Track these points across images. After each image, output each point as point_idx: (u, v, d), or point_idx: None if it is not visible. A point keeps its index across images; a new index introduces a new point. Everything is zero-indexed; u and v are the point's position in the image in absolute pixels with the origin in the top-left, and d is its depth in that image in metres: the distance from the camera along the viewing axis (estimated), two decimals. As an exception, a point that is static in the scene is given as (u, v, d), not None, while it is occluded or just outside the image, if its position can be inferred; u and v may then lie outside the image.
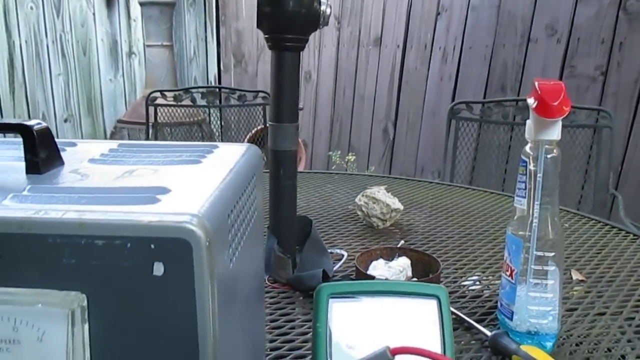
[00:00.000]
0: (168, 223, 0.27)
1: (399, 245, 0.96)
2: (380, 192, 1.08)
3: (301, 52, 0.82)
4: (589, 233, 1.06)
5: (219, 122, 2.67)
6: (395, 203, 1.07)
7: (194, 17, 4.14)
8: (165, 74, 3.46)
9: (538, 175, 0.62)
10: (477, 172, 2.18)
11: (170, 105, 2.37)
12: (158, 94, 2.32)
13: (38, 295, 0.28)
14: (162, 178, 0.35)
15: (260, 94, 2.47)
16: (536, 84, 0.62)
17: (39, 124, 0.37)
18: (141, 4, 3.43)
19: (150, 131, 2.34)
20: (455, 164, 2.00)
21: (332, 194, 1.34)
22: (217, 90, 2.62)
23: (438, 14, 2.68)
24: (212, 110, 2.72)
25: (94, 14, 3.71)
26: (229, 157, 0.42)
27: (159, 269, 0.27)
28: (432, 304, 0.39)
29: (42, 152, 0.36)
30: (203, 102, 2.46)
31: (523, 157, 0.64)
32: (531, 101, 0.61)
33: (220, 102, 2.57)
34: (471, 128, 2.02)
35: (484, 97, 2.51)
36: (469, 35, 2.57)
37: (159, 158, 0.40)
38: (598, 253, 0.95)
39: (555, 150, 0.62)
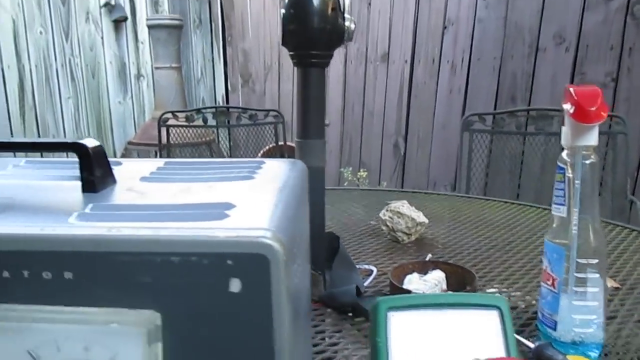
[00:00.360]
0: (245, 238, 0.26)
1: (427, 259, 0.95)
2: (404, 207, 1.07)
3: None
4: (617, 239, 1.05)
5: (227, 141, 2.68)
6: (420, 217, 1.06)
7: (201, 38, 4.18)
8: (174, 95, 3.48)
9: (576, 181, 0.61)
10: (491, 183, 2.17)
11: (182, 126, 2.38)
12: (170, 115, 2.33)
13: (112, 315, 0.27)
14: (221, 194, 0.35)
15: (271, 113, 2.48)
16: (571, 89, 0.61)
17: (92, 142, 0.37)
18: (149, 27, 3.47)
19: (161, 152, 2.34)
20: (470, 176, 1.99)
21: (352, 210, 1.34)
22: (228, 110, 2.63)
23: (444, 27, 2.69)
24: (221, 130, 2.73)
25: (102, 37, 3.76)
26: (279, 173, 0.41)
27: (235, 285, 0.27)
28: (494, 314, 0.38)
29: (97, 171, 0.36)
30: (214, 122, 2.47)
31: (560, 164, 0.63)
32: (568, 107, 0.61)
33: (228, 122, 2.58)
34: (484, 140, 2.02)
35: (495, 109, 2.50)
36: (477, 47, 2.58)
37: (211, 175, 0.40)
38: (629, 259, 0.94)
39: (592, 156, 0.62)
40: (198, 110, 2.45)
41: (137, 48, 3.92)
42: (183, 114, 2.41)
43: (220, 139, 2.94)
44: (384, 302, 0.38)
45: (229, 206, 0.31)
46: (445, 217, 1.26)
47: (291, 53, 0.81)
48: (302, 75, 0.82)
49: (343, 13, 0.80)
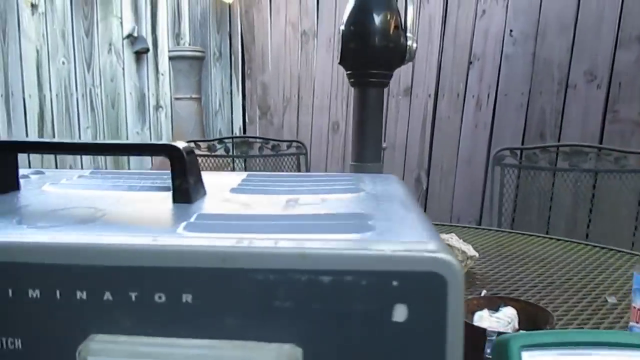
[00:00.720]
0: (418, 253, 0.21)
1: (482, 294, 0.89)
2: (453, 239, 1.01)
3: (384, 89, 0.78)
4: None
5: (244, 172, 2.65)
6: (470, 250, 1.00)
7: (220, 71, 4.20)
8: (193, 125, 3.47)
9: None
10: (520, 219, 2.11)
11: (205, 156, 2.35)
12: (192, 145, 2.31)
13: (241, 349, 0.21)
14: (340, 205, 0.29)
15: (294, 144, 2.45)
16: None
17: (183, 144, 0.32)
18: (171, 58, 3.49)
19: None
20: (502, 211, 1.93)
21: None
22: (249, 140, 2.60)
23: (470, 63, 2.67)
24: (239, 161, 2.70)
25: (123, 68, 3.78)
26: (384, 186, 0.36)
27: (400, 313, 0.21)
28: (647, 359, 0.32)
29: (191, 178, 0.31)
30: (237, 152, 2.44)
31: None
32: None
33: (247, 152, 2.54)
34: (513, 175, 1.97)
35: (522, 144, 2.46)
36: (504, 83, 2.55)
37: (312, 187, 0.35)
38: None
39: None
40: (220, 140, 2.43)
41: (157, 79, 3.94)
42: (205, 144, 2.38)
43: (237, 169, 2.91)
44: (516, 339, 0.33)
45: (367, 217, 0.26)
46: (490, 252, 1.19)
47: (348, 72, 0.77)
48: (359, 95, 0.78)
49: (405, 31, 0.76)
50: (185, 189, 0.30)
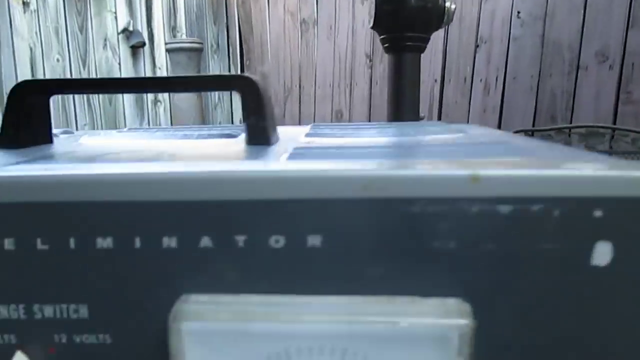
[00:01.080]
0: (630, 172, 0.16)
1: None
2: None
3: (421, 54, 0.73)
4: None
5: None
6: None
7: (218, 63, 4.14)
8: (193, 118, 3.41)
9: None
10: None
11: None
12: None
13: (391, 307, 0.16)
14: (459, 141, 0.24)
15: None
16: None
17: (258, 78, 0.27)
18: (169, 51, 3.42)
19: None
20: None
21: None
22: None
23: (477, 46, 2.62)
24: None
25: (119, 63, 3.72)
26: (479, 130, 0.31)
27: (603, 253, 0.16)
28: None
29: (268, 115, 0.25)
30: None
31: None
32: None
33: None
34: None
35: (533, 127, 2.41)
36: (512, 65, 2.50)
37: (397, 131, 0.29)
38: None
39: None
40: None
41: (154, 73, 3.87)
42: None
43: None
44: None
45: (512, 144, 0.20)
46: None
47: (383, 37, 0.72)
48: (394, 61, 0.72)
49: (443, -8, 0.71)
50: (262, 127, 0.25)
